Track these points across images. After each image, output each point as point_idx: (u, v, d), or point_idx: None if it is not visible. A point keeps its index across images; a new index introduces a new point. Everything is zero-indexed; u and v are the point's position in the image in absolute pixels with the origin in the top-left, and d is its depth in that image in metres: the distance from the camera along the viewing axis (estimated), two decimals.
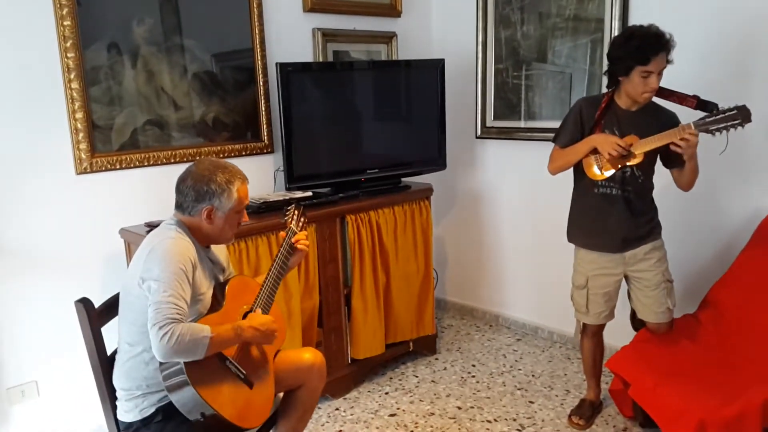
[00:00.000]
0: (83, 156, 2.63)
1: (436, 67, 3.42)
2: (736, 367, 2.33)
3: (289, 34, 3.27)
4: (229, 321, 1.82)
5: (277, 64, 2.97)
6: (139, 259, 1.81)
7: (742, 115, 2.14)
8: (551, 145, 3.40)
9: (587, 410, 2.75)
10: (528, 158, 3.58)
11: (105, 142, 2.71)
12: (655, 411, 2.26)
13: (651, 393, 2.30)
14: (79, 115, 2.60)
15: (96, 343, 1.82)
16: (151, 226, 2.58)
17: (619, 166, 2.37)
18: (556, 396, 2.99)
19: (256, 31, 3.13)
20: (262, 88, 3.19)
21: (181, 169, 2.91)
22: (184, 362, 1.68)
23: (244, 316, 1.91)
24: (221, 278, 2.03)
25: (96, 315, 1.84)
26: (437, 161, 3.51)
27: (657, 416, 2.25)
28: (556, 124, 3.38)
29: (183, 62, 2.91)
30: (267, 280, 2.00)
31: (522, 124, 3.59)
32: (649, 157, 2.37)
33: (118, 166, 2.74)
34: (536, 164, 3.52)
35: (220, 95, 3.06)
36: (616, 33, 3.05)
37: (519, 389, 3.07)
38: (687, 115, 2.36)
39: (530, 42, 3.48)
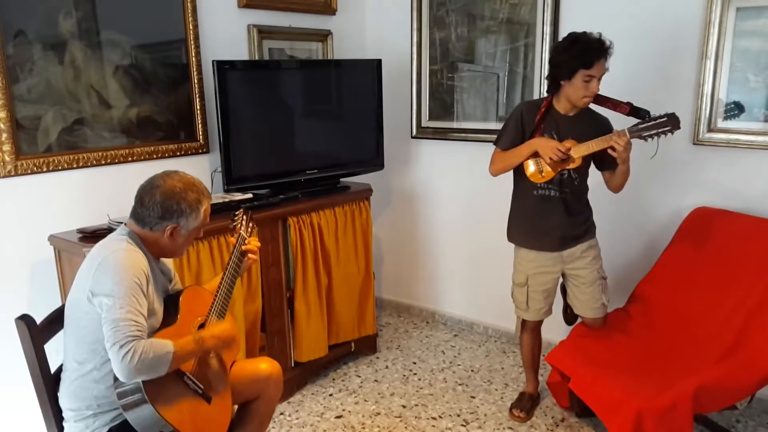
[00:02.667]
0: (7, 158, 2.45)
1: (374, 67, 3.43)
2: (667, 358, 2.50)
3: (224, 30, 3.18)
4: (182, 334, 1.76)
5: (213, 61, 2.88)
6: (87, 272, 1.72)
7: (671, 122, 2.29)
8: (484, 145, 3.52)
9: (527, 403, 2.86)
10: (462, 158, 3.66)
11: (31, 143, 2.53)
12: (594, 402, 2.38)
13: (590, 385, 2.42)
14: (2, 114, 2.41)
15: (39, 361, 1.71)
16: (84, 233, 2.46)
17: (559, 169, 2.48)
18: (496, 390, 3.09)
19: (190, 27, 3.02)
20: (196, 85, 3.08)
21: (114, 171, 2.82)
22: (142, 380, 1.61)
23: (199, 329, 1.85)
24: (169, 288, 1.95)
25: (38, 332, 1.73)
26: (375, 161, 3.52)
27: (597, 407, 2.38)
28: (489, 126, 3.52)
29: (113, 58, 2.76)
30: (220, 289, 1.94)
31: (456, 124, 3.66)
32: (585, 161, 2.49)
33: (45, 169, 2.57)
34: (470, 164, 3.63)
35: (153, 93, 2.93)
36: (548, 38, 3.17)
37: (460, 384, 3.15)
38: (620, 120, 2.49)
39: (464, 44, 3.55)
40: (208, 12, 3.07)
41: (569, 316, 2.87)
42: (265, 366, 2.05)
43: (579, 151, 2.42)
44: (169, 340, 1.65)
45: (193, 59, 3.06)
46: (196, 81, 3.07)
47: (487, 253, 3.65)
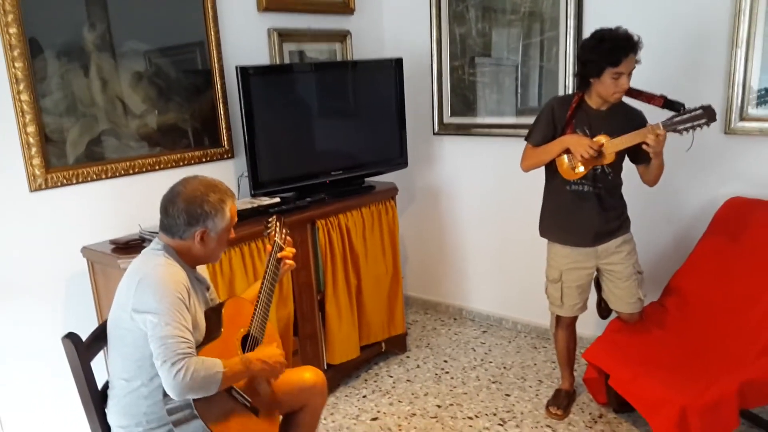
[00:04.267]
0: (37, 172, 2.45)
1: (395, 65, 3.40)
2: (707, 352, 2.46)
3: (245, 34, 3.17)
4: (228, 347, 1.76)
5: (237, 67, 2.87)
6: (127, 289, 1.71)
7: (707, 115, 2.24)
8: (508, 140, 3.51)
9: (563, 400, 2.84)
10: (486, 154, 3.63)
11: (60, 156, 2.53)
12: (637, 400, 2.36)
13: (631, 383, 2.40)
14: (31, 128, 2.42)
15: (87, 379, 1.72)
16: (116, 244, 2.46)
17: (591, 165, 2.45)
18: (530, 387, 3.07)
19: (212, 33, 3.01)
20: (220, 91, 3.08)
21: (141, 180, 2.83)
22: None
23: (243, 340, 1.85)
24: (207, 297, 1.95)
25: (84, 350, 1.73)
26: (399, 160, 3.51)
27: (639, 405, 2.36)
28: (513, 120, 3.49)
29: (137, 68, 2.76)
30: (260, 299, 1.94)
31: (479, 120, 3.63)
32: (619, 156, 2.46)
33: (74, 181, 2.57)
34: (494, 159, 3.60)
35: (177, 100, 2.93)
36: (572, 30, 3.13)
37: (493, 382, 3.13)
38: (654, 113, 2.45)
39: (485, 39, 3.51)
40: (229, 18, 3.06)
41: (603, 310, 2.85)
42: (310, 375, 2.04)
43: (612, 146, 2.38)
44: (218, 360, 1.64)
45: (216, 65, 3.05)
46: (219, 86, 3.07)
47: (515, 247, 3.63)
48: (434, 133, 3.81)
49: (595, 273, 2.70)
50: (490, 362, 3.35)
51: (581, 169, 2.46)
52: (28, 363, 2.44)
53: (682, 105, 2.33)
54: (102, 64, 2.63)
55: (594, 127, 2.45)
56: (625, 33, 2.30)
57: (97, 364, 1.86)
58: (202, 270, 2.04)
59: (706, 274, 2.70)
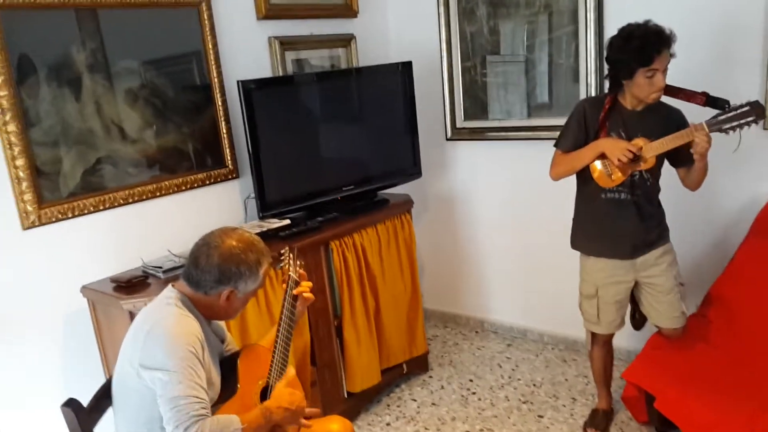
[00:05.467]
0: (29, 208, 2.28)
1: (404, 70, 3.22)
2: (758, 369, 2.28)
3: (245, 45, 2.98)
4: (247, 404, 1.59)
5: (238, 82, 2.68)
6: (134, 342, 1.55)
7: (755, 111, 2.05)
8: (527, 143, 3.32)
9: (602, 421, 2.67)
10: (502, 158, 3.45)
11: (53, 190, 2.36)
12: (686, 425, 2.19)
13: (680, 405, 2.22)
14: (20, 161, 2.25)
15: None
16: (118, 282, 2.29)
17: (630, 171, 2.26)
18: (564, 406, 2.89)
19: (210, 46, 2.83)
20: (221, 107, 2.90)
21: (142, 209, 2.64)
22: None
23: (263, 392, 1.68)
24: (223, 349, 1.78)
25: (86, 416, 1.56)
26: (412, 170, 3.33)
27: (687, 429, 2.18)
28: (530, 122, 3.30)
29: (132, 88, 2.58)
30: (277, 345, 1.76)
31: (495, 123, 3.44)
32: (659, 160, 2.27)
33: (70, 215, 2.40)
34: (512, 164, 3.42)
35: (177, 121, 2.75)
36: (592, 24, 2.94)
37: (524, 402, 2.96)
38: (694, 112, 2.26)
39: (498, 37, 3.32)
40: (227, 28, 2.88)
41: (638, 321, 2.67)
42: (337, 427, 1.87)
43: (652, 149, 2.19)
44: (235, 416, 1.49)
45: (216, 80, 2.87)
46: (220, 103, 2.89)
47: (536, 254, 3.45)
48: (447, 139, 3.63)
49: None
50: (519, 379, 3.17)
51: (618, 175, 2.27)
52: (26, 412, 2.27)
53: (727, 102, 2.14)
54: (95, 86, 2.45)
55: (630, 129, 2.26)
56: (655, 27, 2.11)
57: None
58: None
59: (751, 281, 2.52)
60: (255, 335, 2.42)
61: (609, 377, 2.71)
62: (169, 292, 1.65)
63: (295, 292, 1.90)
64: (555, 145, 2.43)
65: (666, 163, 2.36)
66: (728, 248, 2.72)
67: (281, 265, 1.99)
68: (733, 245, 2.68)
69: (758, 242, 2.57)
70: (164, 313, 1.57)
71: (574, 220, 2.54)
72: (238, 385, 1.63)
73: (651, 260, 2.40)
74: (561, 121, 3.14)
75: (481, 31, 3.36)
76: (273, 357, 1.74)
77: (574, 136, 2.35)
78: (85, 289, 2.33)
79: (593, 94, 3.02)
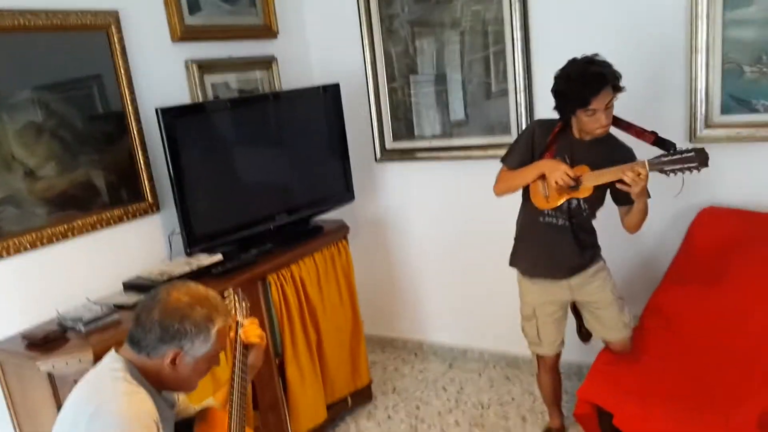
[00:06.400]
0: None
1: (331, 91, 3.11)
2: (711, 377, 2.30)
3: (160, 69, 2.76)
4: None
5: (157, 109, 2.47)
6: (74, 425, 1.32)
7: (699, 159, 2.05)
8: (459, 162, 3.29)
9: None
10: (434, 178, 3.41)
11: None
12: None
13: (640, 420, 2.21)
14: None
15: None
16: (31, 340, 2.01)
17: (565, 197, 2.25)
18: (515, 426, 2.86)
19: (121, 71, 2.59)
20: (137, 137, 2.66)
21: (52, 253, 2.36)
22: None
23: None
24: (175, 416, 1.57)
25: None
26: (345, 194, 3.21)
27: None
28: (462, 142, 3.28)
29: (36, 120, 2.31)
30: (233, 405, 1.58)
31: (425, 143, 3.39)
32: (598, 192, 2.26)
33: None
34: (444, 183, 3.39)
35: (88, 153, 2.49)
36: (519, 43, 2.95)
37: (475, 425, 2.90)
38: (645, 150, 2.27)
39: (424, 57, 3.28)
40: (140, 52, 2.65)
41: (584, 335, 2.68)
42: None
43: (590, 179, 2.19)
44: None
45: (129, 107, 2.63)
46: (135, 132, 2.65)
47: (472, 274, 3.42)
48: (377, 160, 3.54)
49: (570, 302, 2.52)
50: (466, 402, 3.11)
51: (554, 198, 2.26)
52: None
53: (674, 145, 2.16)
54: None
55: (576, 156, 2.25)
56: (596, 69, 2.09)
57: None
58: None
59: (689, 292, 2.57)
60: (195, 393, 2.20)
61: (559, 398, 2.70)
62: (114, 362, 1.43)
63: (243, 336, 1.73)
64: (501, 161, 2.40)
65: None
66: (661, 261, 2.78)
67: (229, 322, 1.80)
68: (665, 257, 2.74)
69: (693, 252, 2.64)
70: (111, 392, 1.35)
71: (515, 239, 2.52)
72: None
73: (585, 279, 2.41)
74: (491, 140, 3.18)
75: (406, 51, 3.31)
76: (230, 420, 1.56)
77: (521, 155, 2.33)
78: None
79: (523, 113, 3.04)
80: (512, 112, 3.07)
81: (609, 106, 2.12)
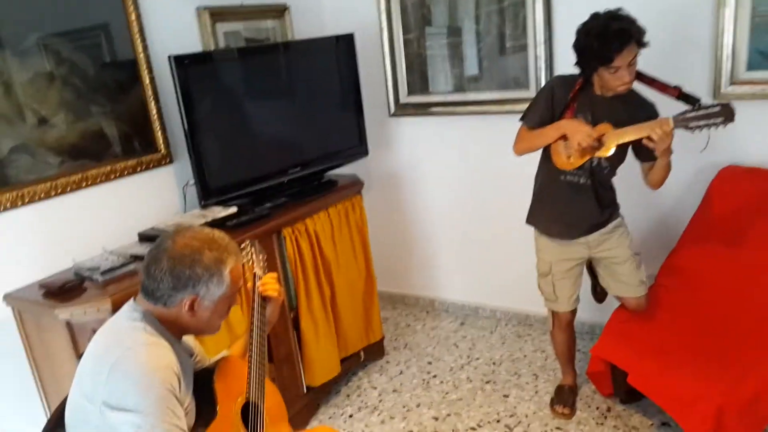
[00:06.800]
0: None
1: (345, 43, 3.03)
2: (727, 335, 2.30)
3: (171, 17, 2.69)
4: (228, 427, 1.40)
5: (170, 57, 2.41)
6: (94, 375, 1.31)
7: (725, 114, 1.99)
8: (475, 117, 3.23)
9: (568, 397, 2.66)
10: (450, 134, 3.35)
11: None
12: (663, 399, 2.19)
13: (655, 379, 2.21)
14: None
15: None
16: (49, 288, 2.00)
17: (588, 157, 2.20)
18: (527, 384, 2.87)
19: (133, 18, 2.53)
20: (149, 86, 2.61)
21: (67, 203, 2.34)
22: None
23: (243, 410, 1.49)
24: (194, 365, 1.57)
25: None
26: (359, 149, 3.16)
27: (666, 404, 2.18)
28: (481, 96, 3.20)
29: (48, 66, 2.25)
30: (252, 355, 1.57)
31: (440, 98, 3.32)
32: (620, 150, 2.20)
33: None
34: (460, 139, 3.33)
35: (100, 102, 2.45)
36: None
37: (487, 382, 2.91)
38: (670, 106, 2.20)
39: (441, 8, 3.19)
40: None
41: (599, 294, 2.67)
42: None
43: (612, 139, 2.13)
44: None
45: (141, 55, 2.57)
46: (148, 81, 2.60)
47: (487, 232, 3.39)
48: (390, 115, 3.48)
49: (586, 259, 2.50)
50: (478, 359, 3.12)
51: (577, 159, 2.21)
52: None
53: (698, 100, 2.09)
54: (1, 63, 2.11)
55: (597, 114, 2.19)
56: (618, 25, 2.01)
57: None
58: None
59: (707, 250, 2.55)
60: (210, 338, 2.20)
61: (573, 355, 2.70)
62: (133, 312, 1.41)
63: (261, 289, 1.71)
64: (521, 120, 2.34)
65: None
66: (680, 219, 2.75)
67: (243, 261, 1.78)
68: (685, 216, 2.71)
69: (712, 211, 2.61)
70: (130, 341, 1.33)
71: (533, 197, 2.48)
72: (218, 407, 1.43)
73: (603, 236, 2.39)
74: (507, 95, 3.11)
75: (422, 2, 3.21)
76: (250, 370, 1.55)
77: (541, 113, 2.27)
78: (10, 298, 2.03)
79: (543, 68, 2.96)
80: (531, 66, 2.99)
81: (632, 63, 2.06)
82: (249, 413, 1.49)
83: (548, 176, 2.38)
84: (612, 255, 2.42)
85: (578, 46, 2.13)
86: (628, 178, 2.43)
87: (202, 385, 1.47)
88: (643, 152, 2.20)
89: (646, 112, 2.17)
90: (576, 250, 2.42)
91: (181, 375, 1.36)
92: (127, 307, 1.42)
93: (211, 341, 2.17)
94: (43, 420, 1.51)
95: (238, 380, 1.54)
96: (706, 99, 2.53)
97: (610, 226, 2.39)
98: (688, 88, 2.16)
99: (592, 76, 2.17)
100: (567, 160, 2.24)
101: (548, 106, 2.25)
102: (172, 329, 1.43)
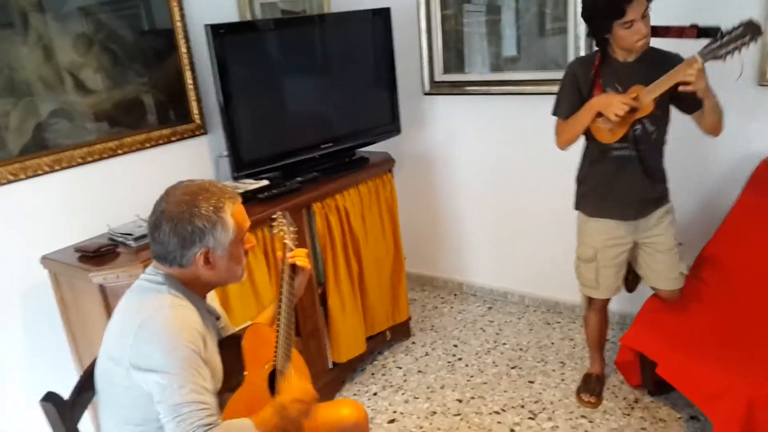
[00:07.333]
0: None
1: (381, 17, 2.98)
2: (760, 329, 2.24)
3: None
4: (256, 393, 1.41)
5: (207, 26, 2.39)
6: (121, 337, 1.32)
7: (750, 31, 1.90)
8: (512, 98, 3.17)
9: (595, 385, 2.62)
10: (485, 113, 3.28)
11: (1, 147, 2.06)
12: (692, 390, 2.13)
13: (684, 371, 2.16)
14: None
15: None
16: (84, 252, 2.03)
17: (631, 121, 2.14)
18: (554, 371, 2.83)
19: None
20: (185, 55, 2.62)
21: (102, 169, 2.36)
22: None
23: (270, 377, 1.49)
24: (219, 328, 1.57)
25: (69, 410, 1.34)
26: (391, 126, 3.12)
27: (695, 396, 2.13)
28: (518, 76, 3.14)
29: (87, 31, 2.27)
30: (280, 324, 1.57)
31: (476, 76, 3.26)
32: (661, 107, 2.14)
33: (23, 176, 2.11)
34: (495, 120, 3.27)
35: (138, 70, 2.46)
36: None
37: (513, 368, 2.88)
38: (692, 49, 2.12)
39: None
40: None
41: (630, 283, 2.60)
42: (349, 412, 1.70)
43: (647, 94, 2.06)
44: (247, 420, 1.31)
45: (179, 23, 2.58)
46: (184, 50, 2.61)
47: (519, 216, 3.34)
48: (425, 93, 3.43)
49: None
50: (504, 344, 3.09)
51: (620, 128, 2.15)
52: None
53: (718, 29, 2.00)
54: (42, 28, 2.13)
55: (625, 81, 2.13)
56: None
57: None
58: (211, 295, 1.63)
59: (747, 240, 2.47)
60: (237, 305, 2.22)
61: (603, 342, 2.65)
62: (155, 275, 1.41)
63: (294, 261, 1.70)
64: (553, 114, 2.29)
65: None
66: (719, 209, 2.67)
67: (274, 231, 1.78)
68: (725, 205, 2.63)
69: (751, 202, 2.52)
70: (158, 304, 1.34)
71: (579, 181, 2.41)
72: (244, 373, 1.43)
73: (653, 221, 2.32)
74: (545, 75, 3.05)
75: None
76: (277, 337, 1.55)
77: (570, 101, 2.23)
78: (47, 260, 2.07)
79: (582, 46, 2.88)
80: (570, 47, 2.91)
81: (645, 15, 2.02)
82: (276, 382, 1.49)
83: (593, 157, 2.31)
84: (657, 242, 2.35)
85: (588, 10, 2.11)
86: (670, 165, 2.36)
87: (230, 350, 1.47)
88: (685, 102, 2.13)
89: (673, 62, 2.08)
90: (624, 234, 2.34)
91: (207, 336, 1.37)
92: (149, 272, 1.42)
93: (239, 309, 2.18)
94: (74, 378, 1.53)
95: (266, 347, 1.54)
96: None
97: (662, 210, 2.33)
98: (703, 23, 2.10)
99: (607, 45, 2.13)
100: (610, 133, 2.18)
101: (575, 91, 2.21)
102: (195, 289, 1.43)
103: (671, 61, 2.12)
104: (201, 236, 1.37)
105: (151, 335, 1.28)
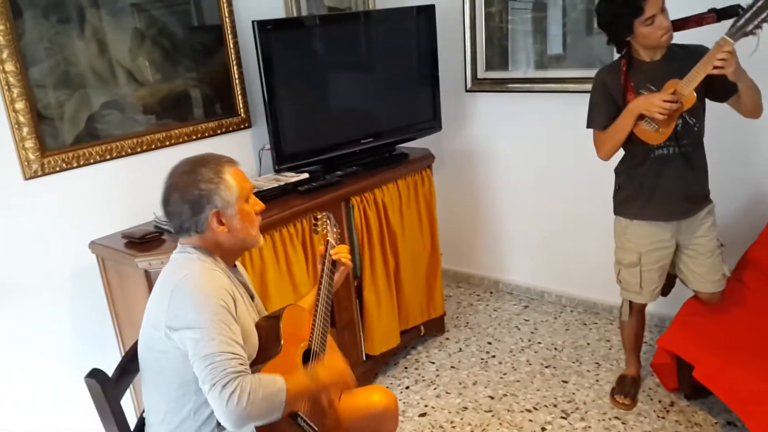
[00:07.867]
0: (31, 156, 2.09)
1: (426, 14, 3.00)
2: None
3: None
4: (290, 365, 1.47)
5: (254, 22, 2.46)
6: (158, 304, 1.41)
7: None
8: (553, 96, 3.15)
9: (630, 387, 2.59)
10: (527, 112, 3.27)
11: (56, 136, 2.16)
12: (728, 394, 2.10)
13: (721, 375, 2.13)
14: (20, 105, 2.04)
15: (119, 424, 1.40)
16: (131, 238, 2.12)
17: (676, 117, 2.11)
18: (588, 371, 2.81)
19: None
20: (232, 50, 2.68)
21: (151, 159, 2.46)
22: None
23: (305, 356, 1.55)
24: (255, 303, 1.65)
25: (112, 387, 1.42)
26: (432, 123, 3.15)
27: (731, 400, 2.10)
28: (564, 74, 3.11)
29: (139, 26, 2.36)
30: (318, 309, 1.63)
31: (519, 74, 3.25)
32: (698, 98, 2.10)
33: (75, 164, 2.21)
34: (536, 118, 3.25)
35: (186, 64, 2.54)
36: None
37: (547, 367, 2.87)
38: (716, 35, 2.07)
39: None
40: None
41: (665, 286, 2.56)
42: (379, 398, 1.75)
43: (686, 86, 2.02)
44: (278, 375, 1.37)
45: (227, 19, 2.65)
46: (231, 45, 2.67)
47: (556, 215, 3.32)
48: (467, 90, 3.43)
49: None
50: (539, 343, 3.08)
51: (667, 126, 2.12)
52: (28, 379, 2.13)
53: (738, 5, 1.97)
54: (97, 23, 2.22)
55: (657, 80, 2.11)
56: None
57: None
58: (244, 272, 1.71)
59: None
60: (275, 294, 2.28)
61: (640, 344, 2.62)
62: (185, 249, 1.50)
63: (335, 257, 1.77)
64: (588, 126, 2.28)
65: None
66: (763, 210, 2.60)
67: (318, 230, 1.85)
68: (764, 212, 2.56)
69: None
70: (186, 269, 1.43)
71: (620, 186, 2.38)
72: (281, 344, 1.49)
73: (696, 221, 2.29)
74: (590, 73, 3.00)
75: None
76: (314, 320, 1.61)
77: (605, 110, 2.21)
78: (95, 245, 2.16)
79: None
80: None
81: (664, 8, 2.01)
82: (309, 359, 1.55)
83: (633, 161, 2.28)
84: (700, 243, 2.31)
85: (604, 16, 2.10)
86: (712, 166, 2.32)
87: (269, 324, 1.54)
88: (719, 90, 2.10)
89: (699, 53, 2.04)
90: (669, 236, 2.31)
91: (236, 295, 1.44)
92: (179, 248, 1.51)
93: (276, 298, 2.25)
94: (117, 358, 1.61)
95: (303, 328, 1.60)
96: None
97: (704, 211, 2.30)
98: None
99: (630, 48, 2.12)
100: (657, 133, 2.15)
101: (608, 100, 2.20)
102: (223, 255, 1.51)
103: (697, 52, 2.09)
104: (209, 198, 1.46)
105: (184, 296, 1.37)
